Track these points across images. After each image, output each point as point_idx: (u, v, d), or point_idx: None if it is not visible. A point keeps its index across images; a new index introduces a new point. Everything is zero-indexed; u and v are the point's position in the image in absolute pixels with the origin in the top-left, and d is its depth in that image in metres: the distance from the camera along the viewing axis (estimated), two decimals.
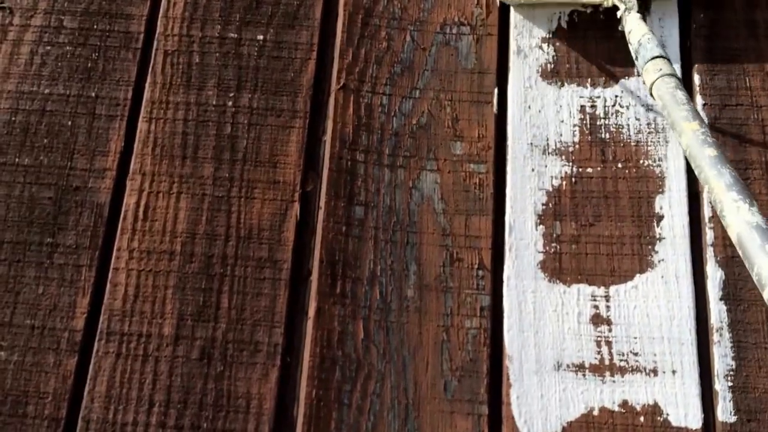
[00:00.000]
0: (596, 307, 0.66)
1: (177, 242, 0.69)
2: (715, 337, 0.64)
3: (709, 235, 0.67)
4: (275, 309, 0.67)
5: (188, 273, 0.68)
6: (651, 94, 0.65)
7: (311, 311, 0.67)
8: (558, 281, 0.67)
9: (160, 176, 0.72)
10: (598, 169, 0.70)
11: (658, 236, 0.67)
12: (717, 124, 0.69)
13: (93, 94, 0.75)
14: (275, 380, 0.65)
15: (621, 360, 0.64)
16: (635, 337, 0.65)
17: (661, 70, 0.64)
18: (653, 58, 0.65)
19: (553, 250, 0.68)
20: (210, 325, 0.66)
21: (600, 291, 0.66)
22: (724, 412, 0.62)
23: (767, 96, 0.70)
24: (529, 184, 0.70)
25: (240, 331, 0.66)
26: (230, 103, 0.74)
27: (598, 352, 0.65)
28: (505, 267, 0.68)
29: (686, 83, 0.72)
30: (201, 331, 0.66)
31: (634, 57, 0.68)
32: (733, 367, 0.63)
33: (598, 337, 0.65)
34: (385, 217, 0.70)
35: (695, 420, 0.62)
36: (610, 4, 0.71)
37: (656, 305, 0.65)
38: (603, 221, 0.68)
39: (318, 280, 0.67)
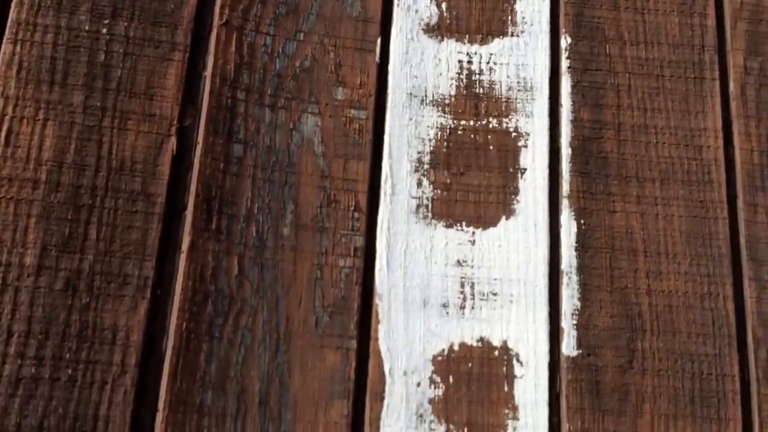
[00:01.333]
0: (462, 250, 0.70)
1: (42, 170, 0.66)
2: (565, 280, 0.70)
3: (565, 188, 0.72)
4: (147, 242, 0.66)
5: (53, 203, 0.65)
6: None
7: (185, 246, 0.66)
8: (429, 225, 0.70)
9: (24, 101, 0.68)
10: (471, 122, 0.74)
11: (521, 187, 0.72)
12: (578, 86, 0.75)
13: None
14: (144, 313, 0.64)
15: (481, 299, 0.69)
16: (495, 279, 0.70)
17: None
18: None
19: (425, 196, 0.71)
20: (76, 257, 0.64)
21: (466, 236, 0.71)
22: (568, 347, 0.68)
23: (623, 63, 0.76)
24: (406, 132, 0.73)
25: (108, 263, 0.65)
26: (104, 31, 0.71)
27: (461, 293, 0.69)
28: (380, 210, 0.71)
29: (554, 47, 0.77)
30: (66, 262, 0.64)
31: None
32: (578, 307, 0.69)
33: (463, 278, 0.69)
34: (264, 156, 0.70)
35: (543, 354, 0.68)
36: None
37: (516, 250, 0.70)
38: (473, 171, 0.72)
39: (193, 215, 0.67)
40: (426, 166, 0.72)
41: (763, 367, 0.68)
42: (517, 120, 0.73)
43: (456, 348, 0.67)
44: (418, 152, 0.72)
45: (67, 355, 0.62)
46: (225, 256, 0.67)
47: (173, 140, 0.69)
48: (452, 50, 0.76)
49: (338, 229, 0.69)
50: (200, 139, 0.69)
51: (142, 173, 0.67)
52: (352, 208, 0.70)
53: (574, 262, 0.70)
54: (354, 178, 0.71)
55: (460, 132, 0.73)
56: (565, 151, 0.73)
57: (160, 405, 0.62)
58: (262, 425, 0.63)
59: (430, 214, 0.71)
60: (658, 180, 0.73)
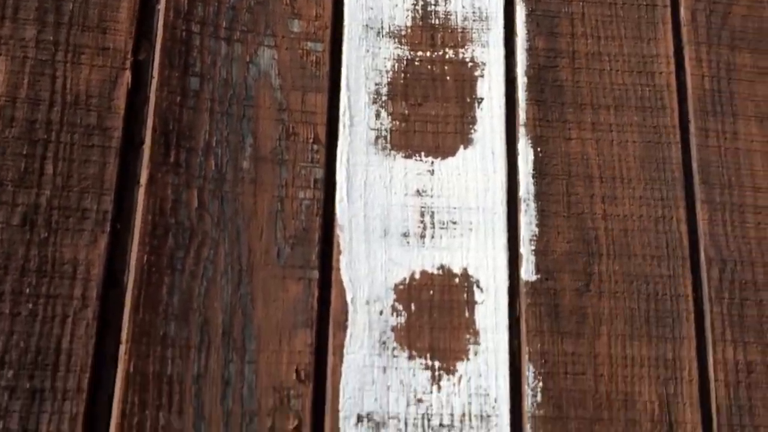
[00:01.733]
0: (421, 180, 0.71)
1: None
2: (523, 207, 0.71)
3: (521, 117, 0.73)
4: (104, 177, 0.65)
5: (8, 138, 0.65)
6: None
7: (143, 179, 0.66)
8: (388, 156, 0.71)
9: None
10: (428, 53, 0.74)
11: (478, 116, 0.73)
12: (533, 14, 0.75)
13: None
14: (104, 246, 0.64)
15: (441, 228, 0.70)
16: (454, 208, 0.70)
17: None
18: None
19: (384, 127, 0.72)
20: (33, 192, 0.64)
21: (425, 166, 0.71)
22: (527, 272, 0.69)
23: None
24: (363, 64, 0.73)
25: (66, 198, 0.64)
26: None
27: (421, 222, 0.70)
28: (339, 142, 0.71)
29: None
30: (23, 197, 0.64)
31: None
32: (536, 233, 0.70)
33: (422, 207, 0.70)
34: (221, 89, 0.70)
35: (502, 279, 0.69)
36: None
37: (474, 179, 0.71)
38: (430, 102, 0.73)
39: (151, 148, 0.67)
40: (384, 98, 0.72)
41: (715, 286, 0.71)
42: (473, 50, 0.74)
43: (417, 276, 0.68)
44: (376, 84, 0.73)
45: (27, 290, 0.61)
46: (184, 189, 0.66)
47: (128, 74, 0.68)
48: None
49: (298, 161, 0.69)
50: (155, 72, 0.69)
51: (98, 107, 0.67)
52: (311, 141, 0.70)
53: (532, 189, 0.71)
54: (312, 111, 0.71)
55: (416, 63, 0.73)
56: (521, 80, 0.74)
57: (123, 337, 0.62)
58: (226, 355, 0.64)
59: (388, 145, 0.71)
60: (613, 107, 0.74)
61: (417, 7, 0.74)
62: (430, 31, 0.74)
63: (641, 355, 0.68)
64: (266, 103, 0.70)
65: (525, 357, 0.67)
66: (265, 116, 0.70)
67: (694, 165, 0.74)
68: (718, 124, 0.75)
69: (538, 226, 0.70)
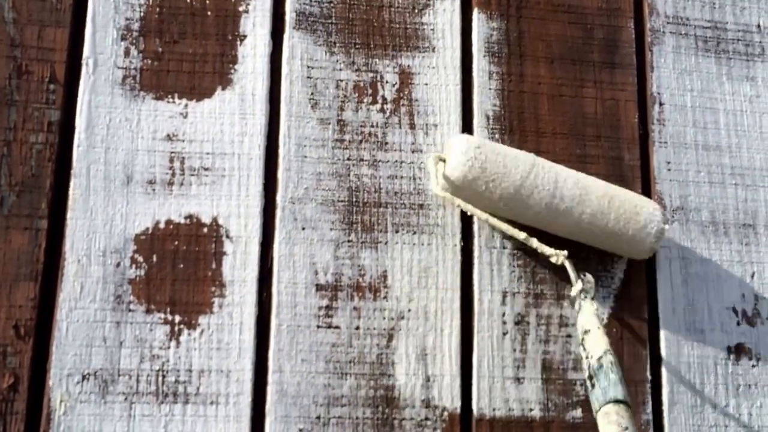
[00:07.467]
0: (173, 124, 0.66)
1: None
2: (282, 151, 0.66)
3: (287, 55, 0.68)
4: None
5: None
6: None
7: None
8: (136, 98, 0.66)
9: None
10: None
11: (240, 55, 0.67)
12: None
13: None
14: None
15: (192, 175, 0.65)
16: (208, 153, 0.65)
17: (620, 425, 0.53)
18: (617, 401, 0.55)
19: (133, 66, 0.66)
20: None
21: (178, 108, 0.66)
22: (282, 220, 0.65)
23: None
24: None
25: None
26: None
27: (170, 168, 0.65)
28: (81, 82, 0.65)
29: None
30: None
31: (586, 374, 0.57)
32: (295, 181, 0.66)
33: (172, 153, 0.65)
34: None
35: (255, 229, 0.64)
36: (560, 262, 0.58)
37: (231, 122, 0.66)
38: (188, 39, 0.67)
39: None
40: (135, 34, 0.67)
41: (486, 235, 0.66)
42: None
43: (162, 226, 0.64)
44: (127, 19, 0.67)
45: None
46: None
47: None
48: None
49: (30, 102, 0.64)
50: None
51: None
52: (48, 80, 0.64)
53: (294, 132, 0.66)
54: (50, 47, 0.65)
55: None
56: (290, 16, 0.68)
57: None
58: None
59: (138, 86, 0.66)
60: (391, 46, 0.68)
61: None
62: None
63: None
64: None
65: (274, 310, 0.63)
66: None
67: (475, 108, 0.69)
68: (502, 65, 0.70)
69: (297, 172, 0.66)
